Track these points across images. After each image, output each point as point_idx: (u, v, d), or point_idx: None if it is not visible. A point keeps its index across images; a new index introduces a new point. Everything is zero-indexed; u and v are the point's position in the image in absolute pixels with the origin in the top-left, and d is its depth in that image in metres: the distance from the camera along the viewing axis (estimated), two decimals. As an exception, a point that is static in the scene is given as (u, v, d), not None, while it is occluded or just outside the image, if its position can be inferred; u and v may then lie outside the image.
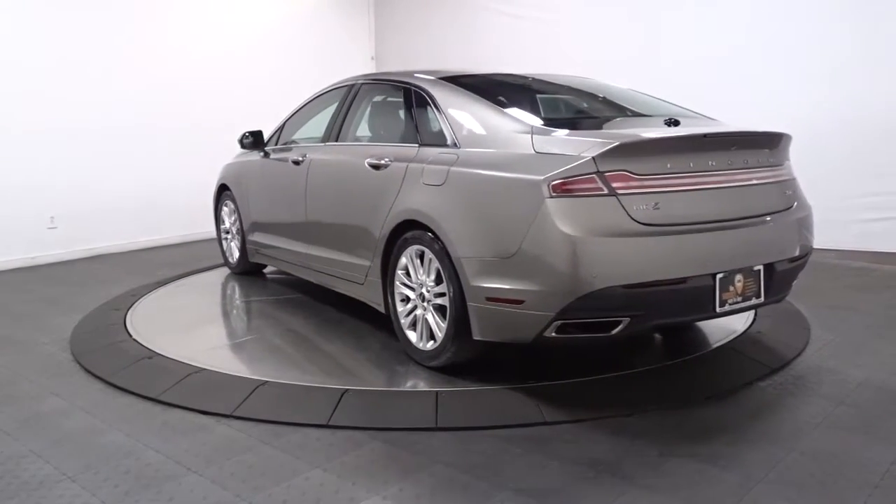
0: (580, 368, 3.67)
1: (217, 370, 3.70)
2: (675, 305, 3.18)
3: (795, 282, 3.76)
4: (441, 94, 3.93)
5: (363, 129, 4.76)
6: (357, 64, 9.67)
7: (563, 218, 3.00)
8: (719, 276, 3.18)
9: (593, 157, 3.01)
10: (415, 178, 3.75)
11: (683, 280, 3.10)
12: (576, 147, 3.10)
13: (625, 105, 4.28)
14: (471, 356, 3.59)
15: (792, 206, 3.60)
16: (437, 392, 3.38)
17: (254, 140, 5.57)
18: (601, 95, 4.45)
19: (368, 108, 4.78)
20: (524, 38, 8.63)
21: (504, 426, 3.03)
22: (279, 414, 3.21)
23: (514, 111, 3.63)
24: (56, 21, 7.06)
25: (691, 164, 3.19)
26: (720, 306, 3.22)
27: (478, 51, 8.95)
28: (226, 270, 6.44)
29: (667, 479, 2.57)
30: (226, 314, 5.05)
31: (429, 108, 3.96)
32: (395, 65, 9.98)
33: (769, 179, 3.51)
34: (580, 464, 2.69)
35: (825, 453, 2.73)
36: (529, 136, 3.31)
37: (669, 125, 3.59)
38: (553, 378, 3.52)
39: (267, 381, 3.53)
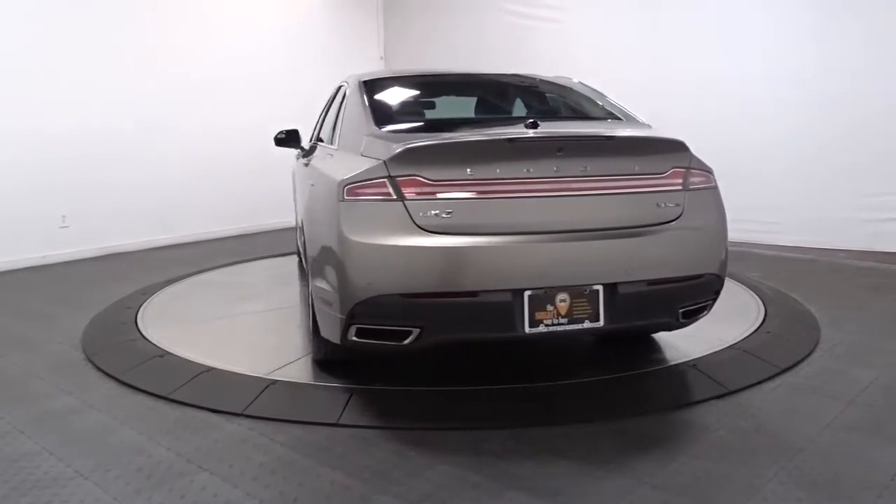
0: (588, 368, 3.68)
1: (227, 369, 3.72)
2: (464, 321, 2.97)
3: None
4: (350, 96, 3.96)
5: (329, 130, 4.83)
6: (366, 64, 9.67)
7: (348, 221, 2.96)
8: (528, 293, 2.92)
9: (384, 162, 2.95)
10: (312, 177, 3.81)
11: (473, 294, 2.90)
12: (380, 151, 3.06)
13: (533, 106, 4.28)
14: (338, 354, 3.56)
15: (671, 221, 3.15)
16: (446, 391, 3.40)
17: (287, 138, 5.61)
18: (517, 97, 4.44)
19: (336, 109, 4.84)
20: (534, 39, 8.62)
21: (513, 426, 3.04)
22: (289, 413, 3.23)
23: (378, 115, 3.57)
24: (67, 21, 7.10)
25: (498, 171, 2.97)
26: (531, 327, 2.94)
27: (486, 51, 8.94)
28: (234, 268, 6.59)
29: (675, 478, 2.57)
30: (236, 312, 5.07)
31: (342, 109, 4.03)
32: (403, 64, 9.99)
33: (629, 189, 3.13)
34: (589, 463, 2.70)
35: (835, 453, 2.73)
36: (364, 139, 3.31)
37: (529, 128, 3.21)
38: (559, 378, 3.53)
39: (277, 381, 3.55)
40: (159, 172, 7.91)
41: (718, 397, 3.30)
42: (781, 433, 2.93)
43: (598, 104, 4.12)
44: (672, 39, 7.52)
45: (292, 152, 5.58)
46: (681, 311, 3.24)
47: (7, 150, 6.70)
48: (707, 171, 3.35)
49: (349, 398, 3.32)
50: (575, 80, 4.49)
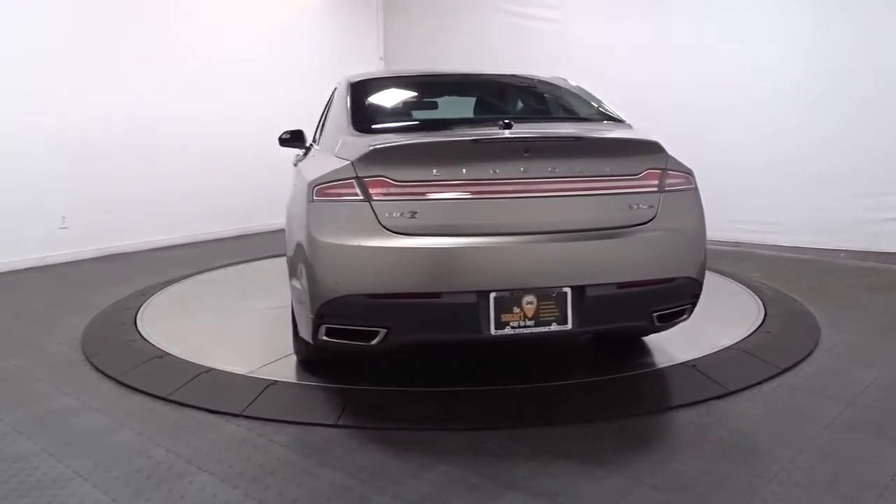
0: (587, 369, 3.67)
1: (226, 370, 3.72)
2: (429, 322, 2.97)
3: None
4: (336, 98, 3.97)
5: (319, 131, 4.82)
6: (366, 64, 9.68)
7: (316, 221, 2.98)
8: (494, 295, 2.90)
9: (352, 162, 2.96)
10: (296, 178, 3.80)
11: (437, 295, 2.89)
12: (350, 152, 3.07)
13: (519, 107, 4.29)
14: (318, 354, 3.59)
15: (645, 223, 3.08)
16: (444, 392, 3.39)
17: (292, 138, 5.58)
18: (503, 98, 4.43)
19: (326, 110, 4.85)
20: (534, 39, 8.63)
21: (513, 426, 3.04)
22: (288, 413, 3.23)
23: (356, 116, 3.57)
24: (69, 24, 7.11)
25: (463, 172, 2.95)
26: (497, 328, 2.92)
27: (487, 51, 8.94)
28: (234, 268, 6.58)
29: (675, 478, 2.57)
30: (236, 313, 5.07)
31: (329, 111, 4.05)
32: (403, 64, 9.99)
33: (599, 190, 3.06)
34: (589, 463, 2.69)
35: (835, 454, 2.73)
36: (339, 140, 3.33)
37: (503, 129, 3.21)
38: (558, 378, 3.53)
39: (276, 381, 3.55)
40: (159, 173, 7.92)
41: (718, 397, 3.30)
42: (781, 434, 2.92)
43: (584, 105, 4.09)
44: (671, 38, 7.52)
45: (293, 152, 5.57)
46: (655, 314, 3.17)
47: (7, 150, 6.69)
48: (686, 172, 3.26)
49: (348, 399, 3.32)
50: (566, 81, 4.45)
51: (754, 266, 6.17)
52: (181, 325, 4.70)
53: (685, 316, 3.35)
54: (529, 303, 2.94)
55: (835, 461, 2.66)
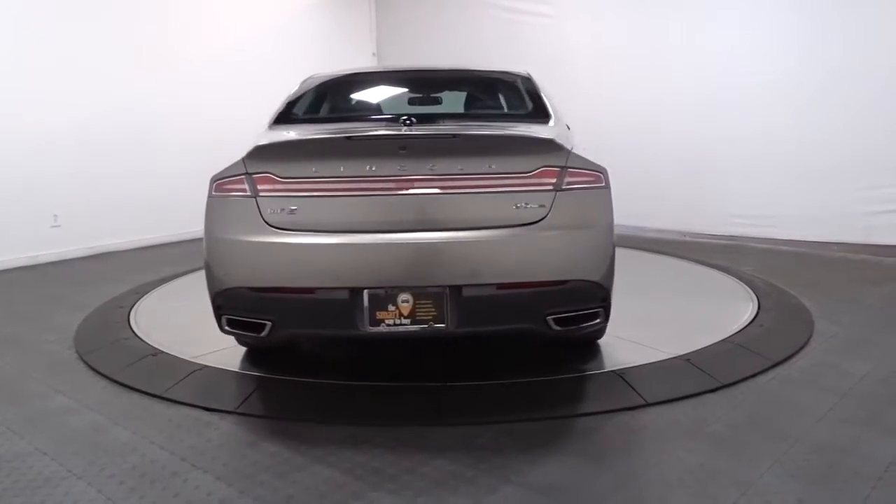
0: (579, 363, 3.68)
1: (220, 367, 3.72)
2: (306, 316, 3.06)
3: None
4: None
5: None
6: (359, 60, 9.66)
7: (211, 216, 3.14)
8: (367, 292, 2.91)
9: (243, 159, 3.07)
10: None
11: (311, 290, 2.96)
12: (248, 148, 3.15)
13: (449, 102, 4.30)
14: (250, 342, 3.76)
15: (533, 222, 2.94)
16: (439, 387, 3.39)
17: None
18: (438, 94, 4.43)
19: None
20: (525, 34, 8.62)
21: (507, 421, 3.04)
22: (282, 410, 3.23)
23: (281, 114, 3.77)
24: (61, 22, 7.07)
25: (341, 169, 2.98)
26: (372, 325, 2.94)
27: (478, 47, 8.94)
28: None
29: (669, 472, 2.57)
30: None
31: None
32: (396, 61, 9.99)
33: (481, 189, 2.97)
34: (582, 457, 2.70)
35: (829, 446, 2.73)
36: (256, 136, 3.40)
37: (405, 126, 3.27)
38: (551, 373, 3.53)
39: (270, 378, 3.55)
40: (152, 171, 7.87)
41: (712, 391, 3.30)
42: (776, 426, 2.93)
43: (521, 100, 4.02)
44: (668, 35, 7.52)
45: None
46: (551, 318, 3.02)
47: (-2, 149, 6.67)
48: (594, 171, 3.08)
49: (341, 395, 3.31)
50: (527, 74, 4.30)
51: (748, 260, 6.19)
52: (174, 323, 4.69)
53: (597, 321, 3.17)
54: (405, 301, 2.94)
55: (829, 453, 2.67)
